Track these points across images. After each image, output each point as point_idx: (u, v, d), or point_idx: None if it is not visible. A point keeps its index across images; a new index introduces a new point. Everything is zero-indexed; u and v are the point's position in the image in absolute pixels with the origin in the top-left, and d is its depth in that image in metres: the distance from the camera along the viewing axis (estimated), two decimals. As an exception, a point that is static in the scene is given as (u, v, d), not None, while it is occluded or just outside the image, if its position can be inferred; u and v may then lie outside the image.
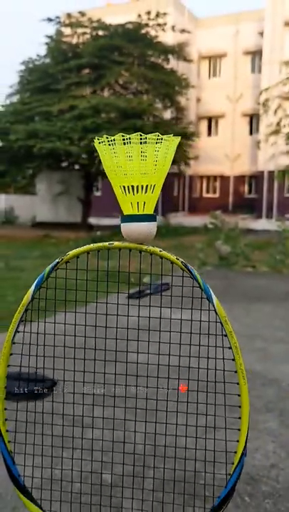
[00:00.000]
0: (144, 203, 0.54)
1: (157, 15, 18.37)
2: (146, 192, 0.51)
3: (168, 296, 1.41)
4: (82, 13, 18.91)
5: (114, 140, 0.54)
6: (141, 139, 0.54)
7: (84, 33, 18.62)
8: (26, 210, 24.35)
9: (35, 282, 0.79)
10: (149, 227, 0.54)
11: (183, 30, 20.07)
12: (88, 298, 1.23)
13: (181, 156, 18.60)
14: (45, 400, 2.19)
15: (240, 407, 0.90)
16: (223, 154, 27.39)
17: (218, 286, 5.46)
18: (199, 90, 27.37)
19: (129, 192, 0.52)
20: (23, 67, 19.01)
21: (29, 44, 39.92)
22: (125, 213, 0.53)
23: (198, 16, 28.38)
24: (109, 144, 0.55)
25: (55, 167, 18.32)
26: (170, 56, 19.55)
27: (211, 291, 0.76)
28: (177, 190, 26.85)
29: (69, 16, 19.38)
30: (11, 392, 2.16)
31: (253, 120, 26.20)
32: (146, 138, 0.54)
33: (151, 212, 0.53)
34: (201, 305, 1.21)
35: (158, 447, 1.81)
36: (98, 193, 23.26)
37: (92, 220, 19.05)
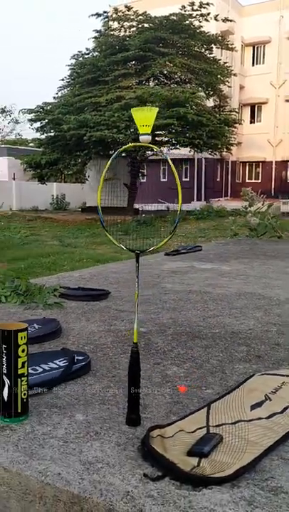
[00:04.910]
0: (146, 130, 1.47)
1: (201, 5, 19.02)
2: (146, 126, 1.45)
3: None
4: (129, 7, 19.85)
5: (138, 109, 1.48)
6: (145, 107, 1.47)
7: (130, 26, 19.57)
8: (76, 197, 25.79)
9: (113, 156, 1.58)
10: (149, 137, 1.48)
11: (226, 19, 20.65)
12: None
13: (223, 143, 19.30)
14: (104, 300, 3.22)
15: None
16: (265, 140, 27.79)
17: (244, 248, 6.42)
18: (242, 77, 27.81)
19: (142, 126, 1.47)
20: (73, 61, 20.23)
21: (79, 39, 41.44)
22: (141, 132, 1.49)
23: (242, 4, 28.71)
24: (135, 111, 1.48)
25: (103, 154, 19.44)
26: (213, 45, 20.18)
27: (168, 157, 1.63)
28: (220, 176, 27.52)
29: (116, 10, 20.38)
30: (82, 295, 3.23)
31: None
32: (145, 108, 1.48)
33: (149, 131, 1.47)
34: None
35: (176, 321, 2.83)
36: (143, 180, 24.28)
37: (138, 205, 20.09)
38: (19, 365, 1.44)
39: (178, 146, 18.77)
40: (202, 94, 19.40)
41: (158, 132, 17.63)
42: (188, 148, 19.32)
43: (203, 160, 25.35)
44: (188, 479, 1.18)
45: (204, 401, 1.65)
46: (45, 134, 19.36)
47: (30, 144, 28.11)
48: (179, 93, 16.33)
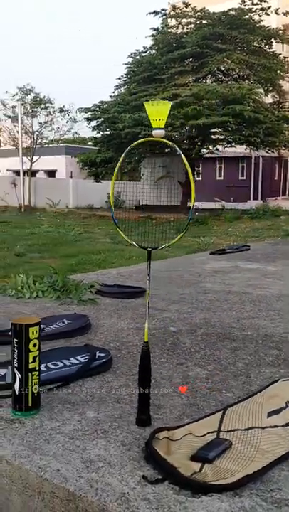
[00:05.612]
0: (160, 124, 1.43)
1: (261, -1, 18.57)
2: (159, 120, 1.41)
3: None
4: (187, 4, 19.70)
5: (151, 103, 1.44)
6: (158, 102, 1.43)
7: (188, 23, 19.42)
8: (131, 195, 25.96)
9: (125, 151, 1.55)
10: (162, 131, 1.44)
11: (287, 13, 20.02)
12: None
13: (281, 140, 18.77)
14: (139, 298, 3.21)
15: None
16: None
17: (294, 248, 6.26)
18: (304, 72, 26.88)
19: (155, 120, 1.43)
20: (130, 60, 20.34)
21: (134, 38, 41.68)
22: (154, 126, 1.45)
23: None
24: (149, 105, 1.44)
25: (158, 153, 19.44)
26: (273, 40, 19.65)
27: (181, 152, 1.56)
28: (278, 175, 26.83)
29: (174, 7, 20.30)
30: (118, 292, 3.23)
31: None
32: (159, 102, 1.43)
33: (162, 126, 1.43)
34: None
35: (208, 321, 2.77)
36: (198, 178, 24.08)
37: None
38: (30, 360, 1.44)
39: (234, 144, 18.46)
40: (260, 90, 18.93)
41: (213, 130, 17.41)
42: (244, 146, 18.95)
43: (261, 158, 24.79)
44: (187, 485, 1.14)
45: (222, 404, 1.59)
46: (101, 133, 19.61)
47: (89, 143, 28.58)
48: (235, 90, 16.02)
